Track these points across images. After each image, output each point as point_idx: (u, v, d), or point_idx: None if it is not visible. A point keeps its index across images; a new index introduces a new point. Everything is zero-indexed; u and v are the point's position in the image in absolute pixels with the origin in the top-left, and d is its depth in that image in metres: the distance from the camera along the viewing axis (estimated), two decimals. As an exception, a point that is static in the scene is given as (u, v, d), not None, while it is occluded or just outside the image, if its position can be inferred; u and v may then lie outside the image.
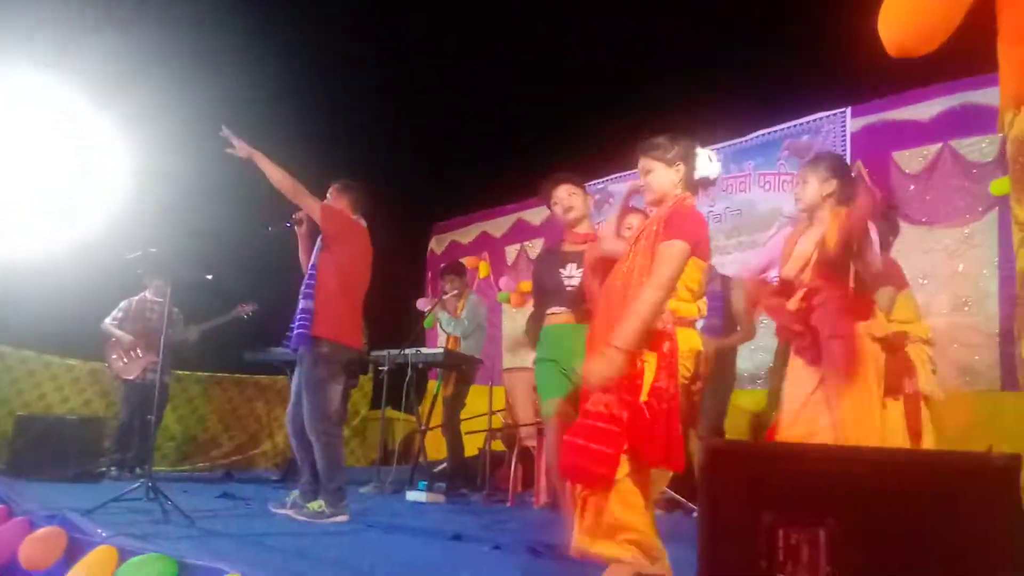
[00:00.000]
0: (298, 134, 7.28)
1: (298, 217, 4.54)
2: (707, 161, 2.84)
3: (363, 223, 4.52)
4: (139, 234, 5.31)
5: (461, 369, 6.14)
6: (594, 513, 2.56)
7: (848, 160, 5.90)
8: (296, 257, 4.64)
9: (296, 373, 4.37)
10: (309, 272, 4.28)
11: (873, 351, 3.12)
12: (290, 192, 4.19)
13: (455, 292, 6.39)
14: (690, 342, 2.70)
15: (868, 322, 3.16)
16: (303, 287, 4.27)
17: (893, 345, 3.54)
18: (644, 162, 2.89)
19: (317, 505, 4.16)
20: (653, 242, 2.70)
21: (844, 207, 3.23)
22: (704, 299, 2.85)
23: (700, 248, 2.72)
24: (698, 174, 2.84)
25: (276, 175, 4.17)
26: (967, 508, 1.48)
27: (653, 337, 2.62)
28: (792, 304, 3.21)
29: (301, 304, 4.21)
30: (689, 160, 2.84)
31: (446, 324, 6.36)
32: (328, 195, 4.54)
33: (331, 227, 4.28)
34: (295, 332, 4.17)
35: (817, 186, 3.28)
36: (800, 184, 3.38)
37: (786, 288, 3.29)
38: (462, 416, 6.20)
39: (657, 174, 2.85)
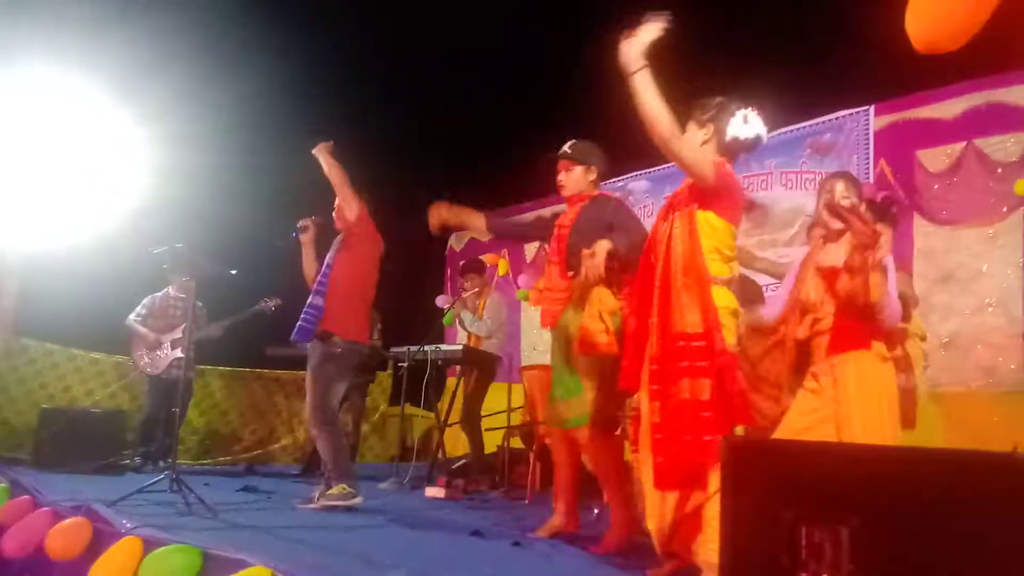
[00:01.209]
0: (318, 129, 7.32)
1: (303, 225, 4.70)
2: (741, 122, 2.79)
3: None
4: (163, 229, 5.36)
5: (482, 366, 6.15)
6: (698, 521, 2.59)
7: (872, 159, 5.87)
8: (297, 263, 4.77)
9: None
10: (324, 270, 4.43)
11: (886, 374, 3.07)
12: (339, 184, 4.45)
13: (475, 290, 6.40)
14: (725, 300, 2.70)
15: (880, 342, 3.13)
16: (316, 284, 4.42)
17: (891, 340, 3.50)
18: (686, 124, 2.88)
19: (340, 489, 4.24)
20: (690, 213, 2.72)
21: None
22: (737, 263, 2.82)
23: (725, 206, 2.74)
24: (729, 135, 2.81)
25: (331, 166, 4.45)
26: (991, 508, 1.47)
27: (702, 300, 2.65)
28: (802, 332, 3.13)
29: (312, 300, 4.36)
30: (721, 121, 2.82)
31: (469, 324, 6.35)
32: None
33: (361, 230, 4.48)
34: (298, 325, 4.31)
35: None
36: (821, 199, 3.36)
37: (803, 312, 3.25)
38: (481, 413, 6.21)
39: (688, 134, 2.83)
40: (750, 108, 2.83)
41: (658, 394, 2.69)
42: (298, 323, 4.32)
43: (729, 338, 2.65)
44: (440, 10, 7.71)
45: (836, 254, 3.10)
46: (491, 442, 6.45)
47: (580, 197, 3.77)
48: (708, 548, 2.50)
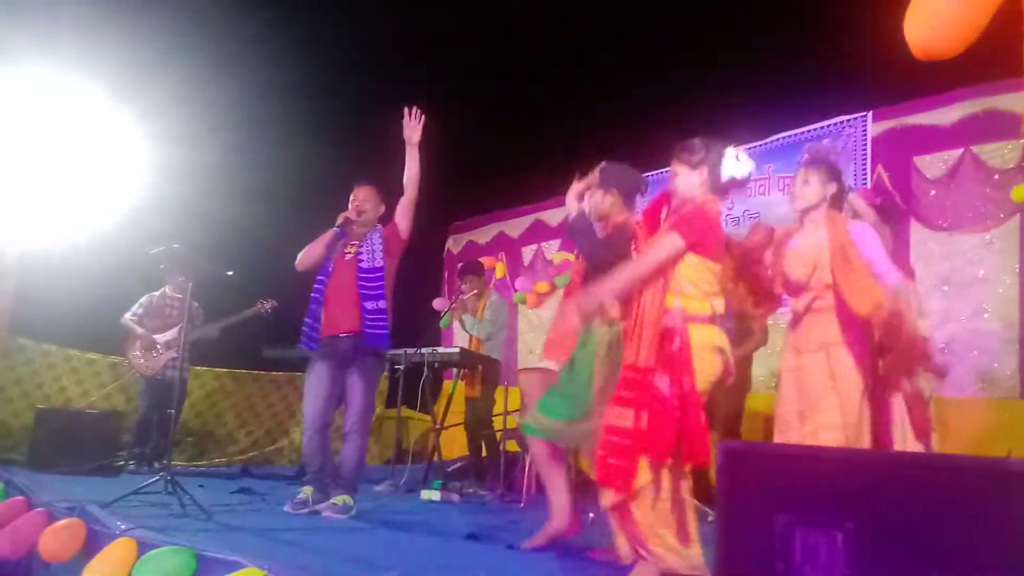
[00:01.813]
0: (316, 130, 7.33)
1: (348, 220, 4.48)
2: (734, 161, 2.84)
3: None
4: (160, 229, 5.36)
5: (485, 370, 6.12)
6: (627, 519, 2.65)
7: (869, 164, 5.88)
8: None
9: (321, 371, 4.34)
10: (378, 274, 4.34)
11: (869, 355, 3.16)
12: (412, 189, 4.42)
13: (474, 292, 6.39)
14: (707, 338, 2.72)
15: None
16: (373, 285, 4.32)
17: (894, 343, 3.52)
18: (672, 166, 2.94)
19: (344, 499, 4.22)
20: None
21: (838, 211, 3.34)
22: (721, 299, 2.84)
23: (704, 247, 2.76)
24: (725, 175, 2.85)
25: (415, 170, 4.42)
26: (985, 513, 1.47)
27: (661, 338, 2.67)
28: (799, 305, 3.22)
29: (375, 303, 4.28)
30: (714, 163, 2.85)
31: (470, 327, 6.32)
32: (374, 196, 4.57)
33: (406, 239, 4.48)
34: (375, 331, 4.24)
35: (820, 187, 3.32)
36: (800, 184, 3.39)
37: (793, 289, 3.30)
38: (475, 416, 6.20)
39: (682, 178, 2.90)
40: (738, 148, 2.88)
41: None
42: (375, 330, 4.24)
43: (703, 379, 2.67)
44: (442, 6, 7.72)
45: (812, 234, 3.27)
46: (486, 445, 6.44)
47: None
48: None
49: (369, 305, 4.28)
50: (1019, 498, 1.40)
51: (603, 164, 3.61)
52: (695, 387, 2.62)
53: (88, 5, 6.14)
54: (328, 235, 4.42)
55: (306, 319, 4.37)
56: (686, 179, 2.88)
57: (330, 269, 4.40)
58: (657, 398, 2.62)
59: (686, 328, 2.67)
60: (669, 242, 2.74)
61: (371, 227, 4.51)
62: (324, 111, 7.40)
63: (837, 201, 3.36)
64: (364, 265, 4.35)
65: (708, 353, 2.70)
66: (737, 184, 2.89)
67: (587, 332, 3.40)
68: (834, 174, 3.36)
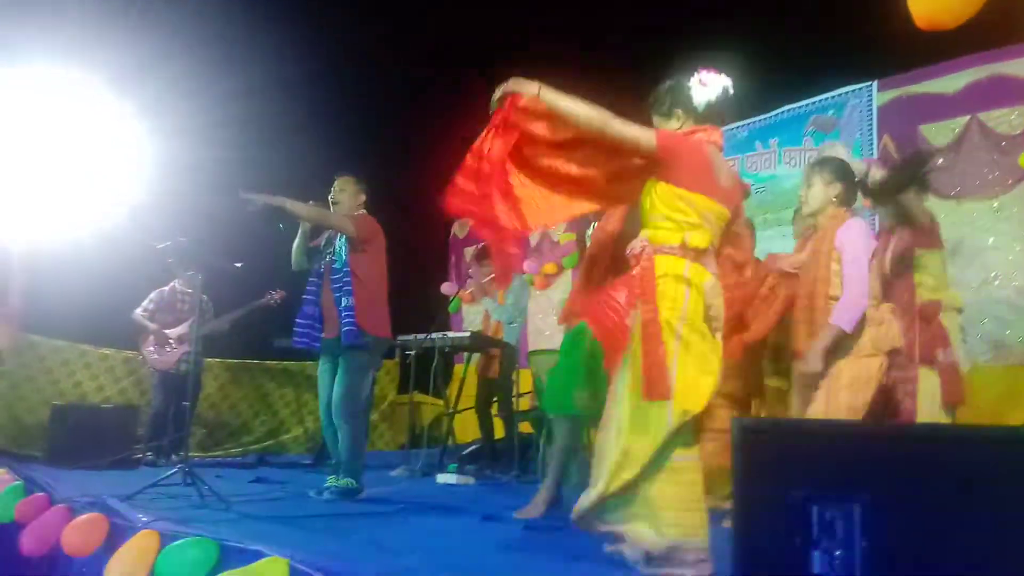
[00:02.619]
0: (319, 119, 7.31)
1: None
2: (700, 87, 2.71)
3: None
4: (165, 223, 5.38)
5: (503, 354, 6.09)
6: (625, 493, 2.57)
7: (875, 134, 5.84)
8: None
9: (322, 368, 4.57)
10: (344, 271, 4.44)
11: (871, 372, 3.16)
12: (319, 220, 4.47)
13: (491, 276, 6.35)
14: (673, 268, 2.56)
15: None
16: (338, 284, 4.44)
17: (926, 314, 3.53)
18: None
19: (346, 482, 4.30)
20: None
21: (845, 208, 3.33)
22: (704, 234, 2.62)
23: (679, 173, 2.60)
24: (700, 105, 2.71)
25: (302, 211, 4.40)
26: (1003, 483, 1.48)
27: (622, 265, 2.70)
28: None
29: (344, 302, 4.39)
30: (681, 101, 2.74)
31: (494, 312, 6.23)
32: (344, 187, 4.63)
33: (364, 233, 4.50)
34: (345, 328, 4.33)
35: (822, 189, 3.33)
36: (804, 188, 3.40)
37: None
38: (492, 399, 6.20)
39: (664, 130, 2.74)
40: (698, 71, 2.74)
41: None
42: (345, 327, 4.33)
43: (667, 306, 2.53)
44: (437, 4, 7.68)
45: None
46: (500, 427, 6.47)
47: None
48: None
49: (340, 304, 4.41)
50: (1035, 466, 1.40)
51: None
52: (656, 317, 2.50)
53: (91, 2, 6.13)
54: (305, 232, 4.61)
55: (298, 319, 4.51)
56: (666, 129, 2.74)
57: (321, 270, 4.57)
58: (612, 308, 2.60)
59: (651, 257, 2.57)
60: (643, 131, 2.60)
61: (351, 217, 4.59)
62: (325, 101, 7.38)
63: (848, 197, 3.35)
64: (335, 265, 4.50)
65: (673, 283, 2.54)
66: (717, 107, 2.72)
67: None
68: (838, 173, 3.34)
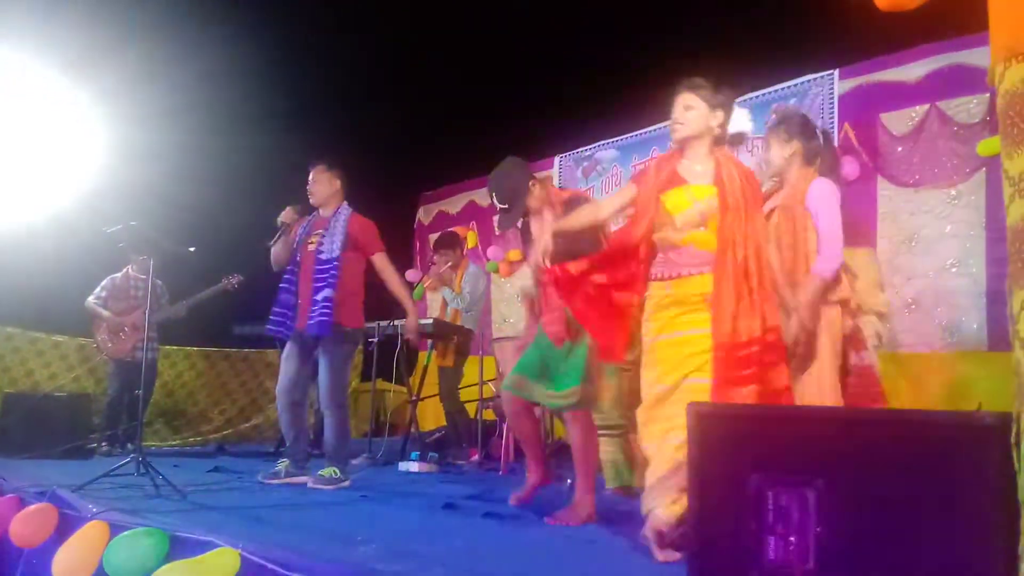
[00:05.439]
0: (280, 104, 7.20)
1: (286, 222, 4.64)
2: (744, 117, 2.86)
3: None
4: (120, 208, 5.26)
5: (459, 341, 6.10)
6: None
7: (836, 123, 5.87)
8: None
9: (290, 351, 4.54)
10: (331, 263, 4.43)
11: (833, 318, 3.13)
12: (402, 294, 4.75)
13: (449, 264, 6.33)
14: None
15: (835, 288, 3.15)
16: (323, 276, 4.42)
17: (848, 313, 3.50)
18: (687, 98, 2.84)
19: (331, 471, 4.33)
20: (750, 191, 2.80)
21: (811, 166, 3.27)
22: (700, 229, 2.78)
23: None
24: (733, 128, 2.85)
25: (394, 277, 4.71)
26: (957, 467, 1.48)
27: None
28: None
29: (323, 293, 4.37)
30: (728, 110, 2.83)
31: (450, 300, 6.26)
32: (320, 175, 4.63)
33: (363, 237, 4.57)
34: (319, 320, 4.32)
35: (779, 149, 3.30)
36: (765, 151, 3.39)
37: None
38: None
39: (698, 112, 2.82)
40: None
41: None
42: (317, 318, 4.32)
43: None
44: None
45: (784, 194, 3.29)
46: (472, 410, 6.43)
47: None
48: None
49: (318, 295, 4.38)
50: (990, 451, 1.40)
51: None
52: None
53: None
54: (286, 234, 4.61)
55: (274, 308, 4.52)
56: (703, 117, 2.81)
57: (298, 259, 4.56)
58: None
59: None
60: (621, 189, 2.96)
61: (330, 207, 4.61)
62: (286, 94, 7.27)
63: (810, 154, 3.27)
64: (322, 256, 4.47)
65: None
66: (737, 140, 2.89)
67: None
68: (795, 129, 3.28)
